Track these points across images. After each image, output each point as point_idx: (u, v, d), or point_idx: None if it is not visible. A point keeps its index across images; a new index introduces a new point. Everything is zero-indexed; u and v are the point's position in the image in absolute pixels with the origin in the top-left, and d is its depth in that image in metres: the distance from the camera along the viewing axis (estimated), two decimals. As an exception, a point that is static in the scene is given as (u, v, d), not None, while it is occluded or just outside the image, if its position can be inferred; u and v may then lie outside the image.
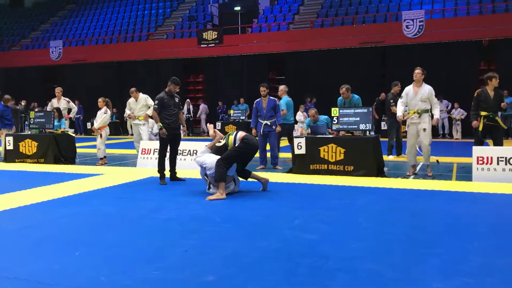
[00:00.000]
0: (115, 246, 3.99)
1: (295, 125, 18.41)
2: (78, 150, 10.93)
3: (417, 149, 8.23)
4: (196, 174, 7.80)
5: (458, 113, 16.91)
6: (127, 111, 10.48)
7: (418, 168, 8.71)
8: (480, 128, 7.85)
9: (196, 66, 22.66)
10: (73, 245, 4.01)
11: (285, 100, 9.97)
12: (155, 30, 24.43)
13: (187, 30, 23.15)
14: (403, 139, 9.86)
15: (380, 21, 19.55)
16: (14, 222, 4.89)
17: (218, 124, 18.85)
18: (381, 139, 8.41)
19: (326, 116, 9.64)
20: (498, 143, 7.74)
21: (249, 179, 6.63)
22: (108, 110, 10.33)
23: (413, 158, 7.99)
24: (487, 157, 7.24)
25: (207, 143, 6.77)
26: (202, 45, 21.24)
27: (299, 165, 8.14)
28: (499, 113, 7.94)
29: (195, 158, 6.62)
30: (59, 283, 3.15)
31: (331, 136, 8.25)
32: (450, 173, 8.44)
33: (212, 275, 3.26)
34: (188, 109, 20.45)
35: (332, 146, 7.91)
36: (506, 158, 7.16)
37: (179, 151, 8.22)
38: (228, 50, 21.03)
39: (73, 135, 10.72)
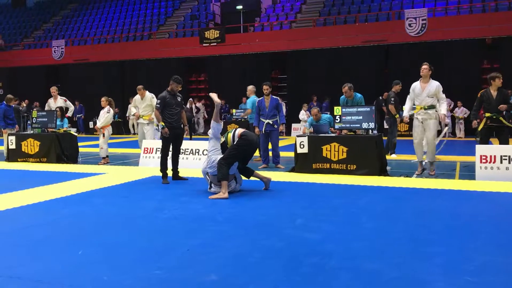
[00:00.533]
0: (117, 245, 3.99)
1: (299, 124, 18.56)
2: (80, 149, 10.94)
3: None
4: (198, 173, 7.80)
5: (461, 112, 16.87)
6: (133, 109, 10.45)
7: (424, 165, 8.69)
8: (479, 128, 7.83)
9: (198, 65, 22.66)
10: (75, 244, 4.01)
11: (251, 100, 10.16)
12: (157, 29, 24.44)
13: (189, 29, 23.15)
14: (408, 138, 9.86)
15: (383, 20, 19.50)
16: (17, 222, 4.89)
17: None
18: (384, 138, 8.40)
19: (328, 115, 9.62)
20: (504, 142, 7.70)
21: (251, 178, 6.62)
22: (111, 109, 10.34)
23: (420, 155, 7.97)
24: (491, 156, 7.22)
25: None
26: (204, 44, 21.24)
27: (302, 164, 8.12)
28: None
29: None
30: (62, 283, 3.15)
31: (333, 135, 8.23)
32: (453, 171, 8.41)
33: (215, 274, 3.26)
34: (191, 108, 20.45)
35: (334, 145, 7.89)
36: (509, 156, 7.13)
37: (181, 150, 8.21)
38: (230, 49, 21.02)
39: (76, 134, 10.73)
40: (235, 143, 6.22)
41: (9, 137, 10.50)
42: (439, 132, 8.78)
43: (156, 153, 9.26)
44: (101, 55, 23.42)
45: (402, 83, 10.82)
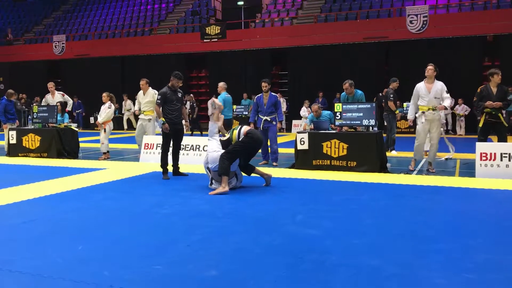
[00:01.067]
0: (118, 240, 4.00)
1: (300, 120, 18.55)
2: (81, 145, 10.94)
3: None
4: (198, 169, 7.81)
5: (462, 109, 16.85)
6: (136, 105, 10.40)
7: (421, 164, 8.71)
8: (480, 125, 7.84)
9: (199, 61, 22.64)
10: (76, 239, 4.02)
11: (222, 97, 10.25)
12: (158, 24, 24.39)
13: (190, 25, 23.11)
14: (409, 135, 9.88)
15: (384, 16, 19.47)
16: (17, 216, 4.90)
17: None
18: (385, 135, 8.40)
19: (329, 112, 9.62)
20: (502, 139, 7.71)
21: (252, 175, 6.62)
22: (112, 105, 10.33)
23: (421, 154, 7.98)
24: (491, 153, 7.22)
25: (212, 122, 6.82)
26: (205, 40, 21.20)
27: (302, 160, 8.13)
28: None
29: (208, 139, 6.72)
30: (62, 277, 3.16)
31: (334, 131, 8.23)
32: (453, 169, 8.42)
33: (215, 270, 3.27)
34: (193, 104, 20.42)
35: (335, 142, 7.89)
36: (509, 154, 7.13)
37: (181, 146, 8.22)
38: (231, 45, 20.99)
39: (77, 129, 10.73)
40: (240, 140, 6.23)
41: (10, 132, 10.50)
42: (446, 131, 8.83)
43: (156, 148, 9.27)
44: (102, 50, 23.38)
45: (402, 80, 10.84)
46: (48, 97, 11.38)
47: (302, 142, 8.08)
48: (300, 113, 18.31)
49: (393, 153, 10.32)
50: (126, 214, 4.98)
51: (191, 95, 20.73)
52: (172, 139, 7.52)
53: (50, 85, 11.50)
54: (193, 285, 3.03)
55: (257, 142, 6.36)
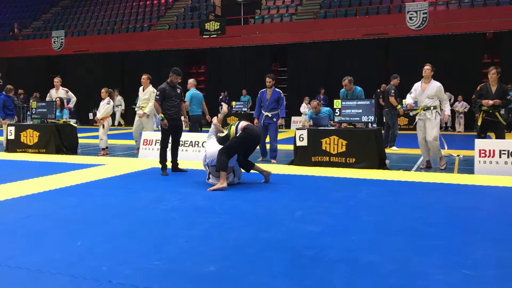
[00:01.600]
0: (116, 236, 4.00)
1: (299, 117, 18.55)
2: (80, 141, 10.93)
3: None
4: (197, 165, 7.81)
5: (461, 106, 16.86)
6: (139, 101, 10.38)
7: (419, 161, 8.71)
8: (479, 123, 7.84)
9: (198, 57, 22.60)
10: (74, 235, 4.02)
11: (190, 93, 10.34)
12: (157, 20, 24.34)
13: (189, 21, 23.06)
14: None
15: (384, 13, 19.44)
16: (16, 212, 4.90)
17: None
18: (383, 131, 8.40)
19: (328, 108, 9.61)
20: (499, 137, 7.72)
21: (252, 171, 6.62)
22: (111, 101, 10.32)
23: (426, 153, 7.99)
24: (489, 150, 7.23)
25: (215, 118, 6.83)
26: (204, 36, 21.16)
27: (301, 157, 8.13)
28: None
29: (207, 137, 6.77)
30: (61, 273, 3.16)
31: (333, 128, 8.23)
32: (452, 166, 8.42)
33: (213, 265, 3.27)
34: None
35: (334, 138, 7.89)
36: (508, 151, 7.14)
37: (180, 142, 8.21)
38: (230, 41, 20.96)
39: (75, 125, 10.72)
40: (237, 135, 6.22)
41: (8, 127, 10.49)
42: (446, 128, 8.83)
43: (155, 144, 9.27)
44: (101, 46, 23.33)
45: (402, 77, 10.83)
46: (52, 92, 11.37)
47: (301, 139, 8.08)
48: (300, 109, 18.31)
49: (393, 149, 10.32)
50: (125, 210, 4.98)
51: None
52: (171, 135, 7.51)
53: (57, 80, 11.48)
54: (192, 280, 3.03)
55: (254, 137, 6.33)
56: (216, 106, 20.80)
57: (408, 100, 8.03)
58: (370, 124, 7.95)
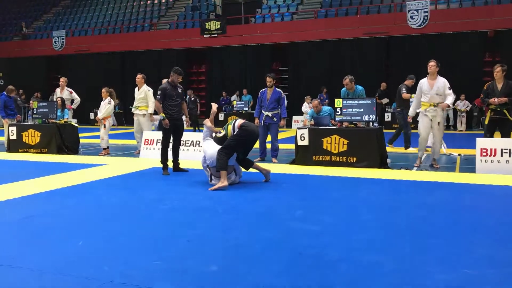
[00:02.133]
0: (118, 236, 4.00)
1: (300, 116, 18.54)
2: (81, 140, 10.94)
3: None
4: (198, 165, 7.81)
5: (464, 105, 16.84)
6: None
7: (423, 159, 8.71)
8: (486, 122, 7.84)
9: (199, 57, 22.62)
10: (76, 235, 4.03)
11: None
12: (158, 20, 24.35)
13: (190, 20, 23.06)
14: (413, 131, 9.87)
15: (385, 12, 19.43)
16: (17, 212, 4.90)
17: (221, 115, 18.84)
18: (385, 131, 8.40)
19: (329, 107, 9.60)
20: (505, 135, 7.69)
21: (251, 170, 6.62)
22: (112, 101, 10.33)
23: (424, 150, 7.99)
24: (491, 149, 7.22)
25: (206, 120, 6.82)
26: (205, 36, 21.17)
27: (302, 156, 8.13)
28: None
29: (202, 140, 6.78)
30: (62, 273, 3.16)
31: (334, 127, 8.22)
32: (453, 164, 8.42)
33: (215, 265, 3.27)
34: (195, 101, 20.40)
35: (335, 137, 7.89)
36: (510, 150, 7.13)
37: (182, 142, 8.21)
38: (231, 41, 20.96)
39: (76, 125, 10.73)
40: (235, 133, 6.21)
41: (10, 127, 10.50)
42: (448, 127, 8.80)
43: (156, 144, 9.27)
44: (101, 46, 23.35)
45: (403, 75, 10.77)
46: (58, 91, 11.39)
47: (302, 138, 8.08)
48: (302, 109, 18.30)
49: (411, 150, 10.14)
50: (126, 210, 4.98)
51: (191, 90, 20.73)
52: (172, 134, 7.52)
53: (62, 80, 11.50)
54: (193, 280, 3.03)
55: (252, 134, 6.29)
56: (218, 106, 20.82)
57: (412, 110, 8.02)
58: (371, 123, 7.95)
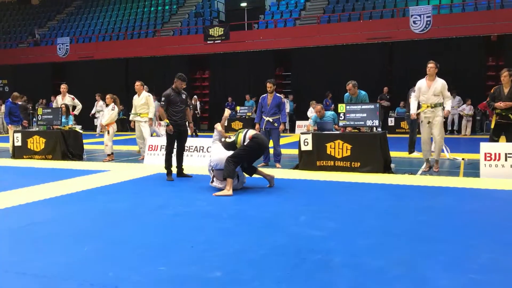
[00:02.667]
0: (122, 242, 4.01)
1: (303, 121, 18.53)
2: (85, 147, 10.98)
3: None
4: (202, 170, 7.82)
5: (470, 109, 16.79)
6: (134, 108, 10.47)
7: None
8: (492, 126, 7.83)
9: (203, 63, 22.69)
10: (81, 241, 4.04)
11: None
12: (161, 26, 24.46)
13: (193, 27, 23.16)
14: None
15: (387, 17, 19.46)
16: (22, 218, 4.92)
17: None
18: (388, 135, 8.39)
19: (332, 112, 9.61)
20: (511, 140, 7.66)
21: (254, 175, 6.64)
22: (116, 107, 10.37)
23: (428, 152, 7.98)
24: (495, 153, 7.20)
25: (217, 124, 6.83)
26: (208, 42, 21.25)
27: (306, 161, 8.13)
28: None
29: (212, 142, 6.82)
30: (67, 279, 3.17)
31: (337, 132, 8.23)
32: (457, 169, 8.39)
33: (219, 271, 3.27)
34: (195, 106, 20.52)
35: (338, 142, 7.89)
36: (514, 154, 7.10)
37: (186, 148, 8.24)
38: (234, 47, 21.02)
39: (81, 131, 10.77)
40: (245, 144, 6.26)
41: (15, 134, 10.56)
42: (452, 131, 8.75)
43: (160, 150, 9.30)
44: (105, 52, 23.47)
45: (406, 80, 10.77)
46: (59, 98, 11.44)
47: (305, 143, 8.08)
48: (308, 114, 18.29)
49: (414, 155, 10.13)
50: (131, 216, 5.00)
51: (195, 96, 20.84)
52: (176, 140, 7.54)
53: (63, 86, 11.57)
54: (197, 286, 3.03)
55: (261, 147, 6.42)
56: (221, 111, 20.85)
57: (412, 109, 8.01)
58: (374, 128, 7.95)
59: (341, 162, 7.87)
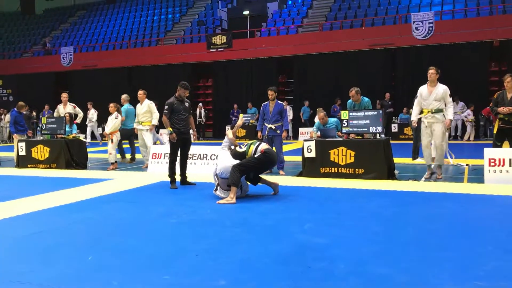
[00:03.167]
0: (126, 250, 4.01)
1: (306, 128, 18.53)
2: (89, 155, 11.01)
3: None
4: (206, 178, 7.83)
5: (469, 115, 16.77)
6: (136, 117, 10.53)
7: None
8: (494, 131, 7.81)
9: (206, 71, 22.76)
10: (85, 250, 4.04)
11: (124, 108, 10.83)
12: (164, 35, 24.59)
13: (196, 35, 23.27)
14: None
15: (390, 23, 19.49)
16: (27, 228, 4.93)
17: (227, 128, 18.87)
18: (392, 142, 8.37)
19: (335, 119, 9.61)
20: None
21: (259, 184, 6.63)
22: (119, 115, 10.41)
23: (429, 158, 7.96)
24: (499, 159, 7.17)
25: (229, 131, 6.85)
26: (211, 50, 21.33)
27: (309, 168, 8.12)
28: None
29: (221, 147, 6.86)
30: (72, 288, 3.17)
31: (341, 139, 8.22)
32: (461, 175, 8.36)
33: (223, 279, 3.26)
34: (200, 113, 20.59)
35: (342, 149, 7.88)
36: (518, 160, 7.07)
37: (189, 156, 8.25)
38: (237, 54, 21.10)
39: (85, 140, 10.81)
40: (256, 156, 6.26)
41: (19, 143, 10.60)
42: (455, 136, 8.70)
43: (164, 158, 9.31)
44: (109, 61, 23.59)
45: (409, 86, 10.78)
46: (60, 107, 11.49)
47: (309, 150, 8.08)
48: (315, 120, 18.26)
49: (418, 160, 10.11)
50: (135, 224, 5.00)
51: (200, 104, 20.92)
52: (179, 148, 7.55)
53: (64, 95, 11.63)
54: (202, 295, 3.03)
55: (271, 161, 6.46)
56: (224, 119, 20.90)
57: (414, 115, 8.00)
58: (378, 134, 7.94)
59: (345, 169, 7.85)
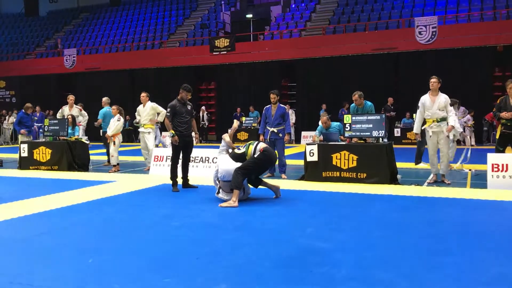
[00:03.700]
0: (127, 253, 4.00)
1: (309, 132, 18.51)
2: (91, 157, 11.01)
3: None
4: (208, 181, 7.81)
5: (468, 120, 16.70)
6: (137, 117, 10.54)
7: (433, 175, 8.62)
8: (497, 136, 7.79)
9: (208, 74, 22.78)
10: (86, 252, 4.03)
11: (102, 111, 11.00)
12: (167, 38, 24.64)
13: (199, 38, 23.31)
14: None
15: (393, 28, 19.48)
16: (28, 229, 4.93)
17: (229, 131, 18.88)
18: (394, 146, 8.35)
19: (338, 123, 9.59)
20: None
21: (260, 187, 6.62)
22: (121, 118, 10.42)
23: (435, 166, 7.94)
24: (502, 164, 7.14)
25: (225, 135, 6.83)
26: (214, 53, 21.36)
27: (312, 172, 8.10)
28: None
29: (218, 152, 6.85)
30: (72, 290, 3.16)
31: (343, 143, 8.20)
32: (464, 180, 8.33)
33: (224, 283, 3.25)
34: (202, 117, 20.61)
35: (344, 153, 7.86)
36: (522, 165, 7.04)
37: (191, 158, 8.24)
38: (240, 58, 21.12)
39: (87, 142, 10.82)
40: (255, 156, 6.26)
41: (21, 145, 10.62)
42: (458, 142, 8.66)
43: (166, 161, 9.30)
44: (112, 63, 23.64)
45: (412, 91, 10.74)
46: (65, 109, 11.51)
47: (311, 154, 8.06)
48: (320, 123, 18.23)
49: (421, 165, 10.08)
50: (136, 227, 4.99)
51: (203, 107, 20.94)
52: (181, 151, 7.54)
53: (71, 97, 11.64)
54: (203, 298, 3.01)
55: (271, 160, 6.50)
56: (227, 122, 20.90)
57: (416, 128, 7.99)
58: (380, 139, 7.92)
59: (347, 173, 7.83)
